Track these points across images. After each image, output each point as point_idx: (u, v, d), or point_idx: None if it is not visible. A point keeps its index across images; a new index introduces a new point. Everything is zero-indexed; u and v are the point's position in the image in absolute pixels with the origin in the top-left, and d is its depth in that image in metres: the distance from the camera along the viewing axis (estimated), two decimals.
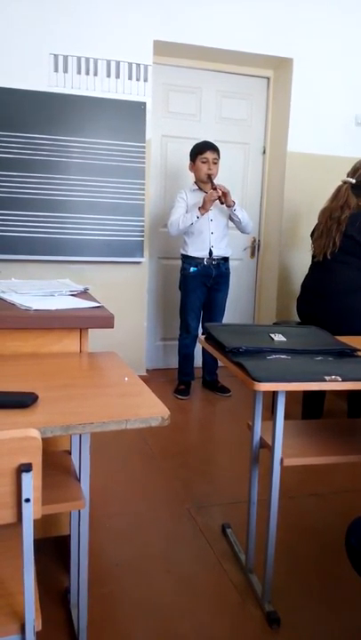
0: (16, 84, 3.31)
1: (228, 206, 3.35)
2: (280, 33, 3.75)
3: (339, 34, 3.87)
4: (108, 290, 3.38)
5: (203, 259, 3.44)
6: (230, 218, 3.47)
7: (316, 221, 3.01)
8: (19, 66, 3.32)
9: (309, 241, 3.11)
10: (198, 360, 3.74)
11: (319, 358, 1.60)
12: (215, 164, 3.38)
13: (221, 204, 3.34)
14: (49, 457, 1.37)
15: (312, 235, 3.03)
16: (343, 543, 1.25)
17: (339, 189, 2.86)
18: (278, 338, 1.76)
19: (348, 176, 2.84)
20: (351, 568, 1.23)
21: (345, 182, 2.83)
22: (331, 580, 1.79)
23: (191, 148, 3.45)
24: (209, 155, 3.35)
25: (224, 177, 3.58)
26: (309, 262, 3.08)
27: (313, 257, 3.00)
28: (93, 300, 1.89)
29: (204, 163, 3.37)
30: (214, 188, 3.28)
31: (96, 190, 3.53)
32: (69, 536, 1.57)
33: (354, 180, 2.79)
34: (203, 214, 3.31)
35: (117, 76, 3.52)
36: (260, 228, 4.29)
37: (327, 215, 2.86)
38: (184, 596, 1.70)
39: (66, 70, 3.41)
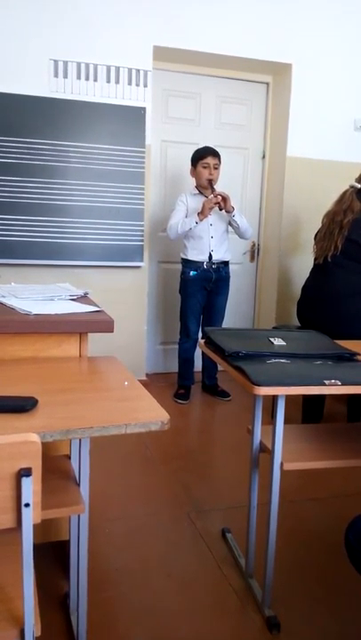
0: (16, 89, 3.32)
1: (228, 212, 3.36)
2: (279, 38, 3.77)
3: (338, 39, 3.89)
4: (108, 294, 3.38)
5: (202, 263, 3.45)
6: (229, 223, 3.48)
7: (319, 224, 3.01)
8: (19, 71, 3.33)
9: (309, 245, 3.12)
10: (198, 364, 3.74)
11: (319, 362, 1.60)
12: (216, 169, 3.39)
13: (220, 209, 3.35)
14: (48, 461, 1.37)
15: (316, 237, 3.03)
16: (343, 546, 1.25)
17: (344, 193, 2.86)
18: (278, 342, 1.76)
19: (355, 181, 2.84)
20: (352, 571, 1.22)
21: (351, 187, 2.84)
22: (331, 584, 1.79)
23: (192, 153, 3.46)
24: (210, 160, 3.36)
25: (224, 182, 3.59)
26: (309, 266, 3.08)
27: (315, 259, 3.00)
28: (93, 304, 1.90)
29: (205, 168, 3.38)
30: (215, 195, 3.29)
31: (96, 195, 3.54)
32: (69, 541, 1.57)
33: (360, 186, 2.79)
34: (201, 220, 3.32)
35: (117, 82, 3.53)
36: (259, 233, 4.30)
37: (330, 218, 2.87)
38: (184, 600, 1.69)
39: (66, 76, 3.43)
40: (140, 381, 1.40)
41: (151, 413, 1.17)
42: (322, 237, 2.91)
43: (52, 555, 1.85)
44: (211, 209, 3.30)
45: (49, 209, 3.46)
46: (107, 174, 3.54)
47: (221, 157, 3.44)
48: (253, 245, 4.29)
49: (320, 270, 2.93)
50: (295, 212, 4.01)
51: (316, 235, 3.04)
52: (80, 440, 1.38)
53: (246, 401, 3.43)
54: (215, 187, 3.37)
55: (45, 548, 1.77)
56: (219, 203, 3.29)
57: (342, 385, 1.42)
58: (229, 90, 4.03)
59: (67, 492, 1.37)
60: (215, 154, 3.39)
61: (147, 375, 4.00)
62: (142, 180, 3.62)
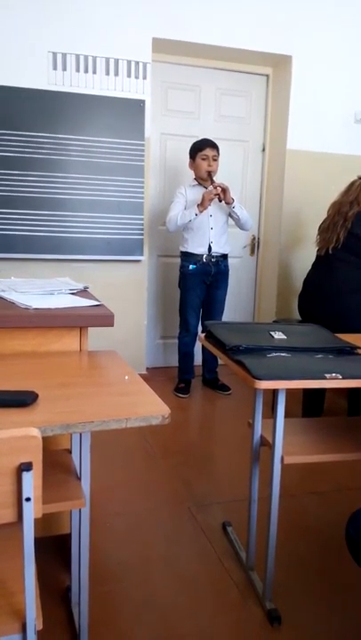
0: (15, 81, 3.29)
1: (228, 203, 3.34)
2: (279, 30, 3.74)
3: (338, 31, 3.86)
4: (108, 288, 3.38)
5: (202, 256, 3.44)
6: (230, 215, 3.46)
7: (319, 217, 2.99)
8: (18, 64, 3.31)
9: (309, 238, 3.10)
10: (198, 358, 3.74)
11: (319, 356, 1.60)
12: (215, 160, 3.37)
13: (220, 201, 3.34)
14: (49, 456, 1.37)
15: (320, 227, 3.01)
16: (344, 539, 1.25)
17: (352, 184, 2.84)
18: (278, 336, 1.76)
19: None
20: (352, 565, 1.23)
21: (360, 178, 2.82)
22: (332, 577, 1.79)
23: (190, 145, 3.44)
24: (209, 151, 3.35)
25: (223, 175, 3.58)
26: (310, 259, 3.07)
27: (317, 250, 2.98)
28: (93, 298, 1.89)
29: (203, 160, 3.36)
30: (214, 186, 3.27)
31: (95, 188, 3.53)
32: (70, 535, 1.58)
33: None
34: (201, 211, 3.30)
35: (116, 74, 3.51)
36: (259, 226, 4.28)
37: (336, 209, 2.84)
38: (185, 594, 1.70)
39: (65, 68, 3.40)
40: (141, 375, 1.39)
41: (152, 407, 1.17)
42: (325, 228, 2.89)
43: (54, 549, 1.85)
44: (210, 200, 3.29)
45: (48, 203, 3.45)
46: (106, 167, 3.53)
47: (221, 150, 3.42)
48: (253, 239, 4.28)
49: (322, 263, 2.92)
50: (295, 205, 3.99)
51: (320, 225, 3.01)
52: (81, 434, 1.37)
53: (247, 395, 3.43)
54: (214, 178, 3.36)
55: (46, 542, 1.77)
56: (218, 194, 3.28)
57: (343, 379, 1.42)
58: (229, 82, 4.00)
59: (68, 486, 1.37)
60: (214, 145, 3.37)
61: (147, 369, 4.00)
62: (142, 173, 3.60)
